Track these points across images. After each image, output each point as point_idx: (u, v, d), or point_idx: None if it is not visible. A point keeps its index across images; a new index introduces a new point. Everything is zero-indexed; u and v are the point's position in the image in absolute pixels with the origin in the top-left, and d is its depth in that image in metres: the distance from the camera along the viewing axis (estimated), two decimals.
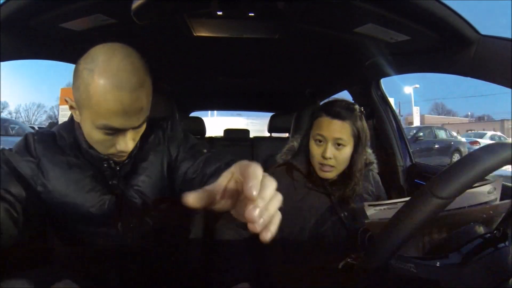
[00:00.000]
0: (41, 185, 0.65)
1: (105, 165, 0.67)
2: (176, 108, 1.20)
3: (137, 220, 0.69)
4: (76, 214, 0.63)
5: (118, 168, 0.69)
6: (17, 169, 0.63)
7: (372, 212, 0.58)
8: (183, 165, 0.73)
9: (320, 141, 0.85)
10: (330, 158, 0.83)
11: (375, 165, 0.98)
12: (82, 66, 0.56)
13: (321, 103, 1.24)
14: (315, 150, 0.86)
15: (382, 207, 0.57)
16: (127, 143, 0.60)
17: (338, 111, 0.83)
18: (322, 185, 0.89)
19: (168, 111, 1.15)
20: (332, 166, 0.84)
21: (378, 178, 1.00)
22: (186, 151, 0.75)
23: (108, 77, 0.53)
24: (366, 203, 0.59)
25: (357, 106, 0.87)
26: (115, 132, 0.58)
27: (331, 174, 0.86)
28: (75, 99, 0.58)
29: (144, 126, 0.65)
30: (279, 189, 0.95)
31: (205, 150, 0.74)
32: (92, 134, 0.59)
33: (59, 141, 0.69)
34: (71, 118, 0.69)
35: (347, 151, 0.84)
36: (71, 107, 0.62)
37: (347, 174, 0.87)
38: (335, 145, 0.83)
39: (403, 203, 0.42)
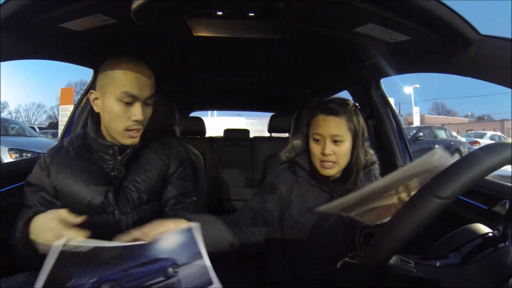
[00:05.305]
0: (52, 189, 0.78)
1: (110, 151, 0.78)
2: (176, 108, 1.20)
3: (131, 207, 0.79)
4: (80, 205, 0.74)
5: (119, 158, 0.78)
6: (39, 184, 0.78)
7: None
8: (169, 188, 0.86)
9: (318, 140, 0.86)
10: (329, 155, 0.84)
11: (376, 165, 0.98)
12: (106, 62, 0.77)
13: None
14: (315, 148, 0.87)
15: None
16: (140, 112, 0.76)
17: (332, 107, 0.85)
18: (324, 183, 0.89)
19: (168, 111, 1.14)
20: (333, 162, 0.85)
21: (379, 178, 1.00)
22: (180, 176, 0.87)
23: (128, 61, 0.76)
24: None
25: (351, 102, 0.88)
26: (132, 100, 0.75)
27: (333, 171, 0.86)
28: (100, 86, 0.77)
29: (151, 109, 0.81)
30: (282, 184, 0.96)
31: (194, 198, 0.88)
32: (113, 108, 0.75)
33: (68, 145, 0.82)
34: (84, 128, 0.86)
35: (346, 146, 0.85)
36: (95, 99, 0.78)
37: (349, 171, 0.88)
38: (333, 142, 0.84)
39: None
